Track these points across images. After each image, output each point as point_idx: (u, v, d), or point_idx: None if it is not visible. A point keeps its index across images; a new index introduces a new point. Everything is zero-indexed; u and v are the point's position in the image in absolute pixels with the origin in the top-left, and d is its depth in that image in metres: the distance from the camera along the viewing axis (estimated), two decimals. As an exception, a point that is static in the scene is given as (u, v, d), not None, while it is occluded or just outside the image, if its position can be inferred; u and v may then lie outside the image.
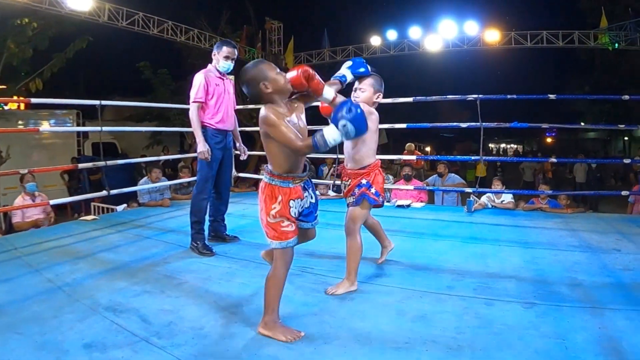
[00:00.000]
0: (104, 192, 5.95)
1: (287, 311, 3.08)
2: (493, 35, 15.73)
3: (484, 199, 7.23)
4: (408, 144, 11.67)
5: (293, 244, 2.89)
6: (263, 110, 2.76)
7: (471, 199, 6.89)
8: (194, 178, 7.52)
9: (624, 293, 3.57)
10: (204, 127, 4.66)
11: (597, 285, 3.72)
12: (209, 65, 4.79)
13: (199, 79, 4.63)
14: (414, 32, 16.46)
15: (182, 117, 14.88)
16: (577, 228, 5.62)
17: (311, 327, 2.95)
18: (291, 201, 2.85)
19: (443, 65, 22.68)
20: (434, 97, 6.80)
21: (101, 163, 6.55)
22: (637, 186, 7.27)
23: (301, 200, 2.93)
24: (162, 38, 14.41)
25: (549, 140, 32.53)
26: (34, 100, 5.94)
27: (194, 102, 4.63)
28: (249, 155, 7.24)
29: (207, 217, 4.82)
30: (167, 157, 11.04)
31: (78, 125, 14.80)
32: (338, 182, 8.33)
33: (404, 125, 7.31)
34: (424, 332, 2.91)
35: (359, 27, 19.03)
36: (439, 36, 16.20)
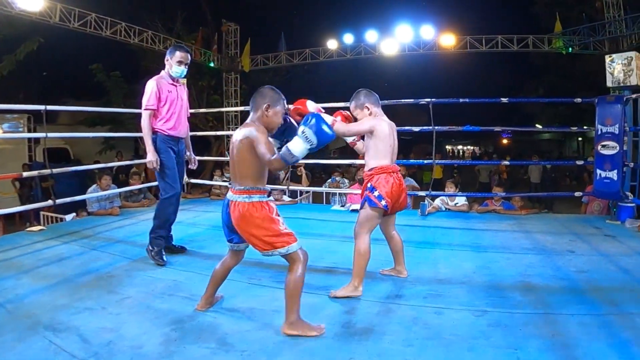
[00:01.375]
0: (50, 202, 5.65)
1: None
2: (449, 40, 15.82)
3: (437, 202, 7.14)
4: (364, 147, 11.18)
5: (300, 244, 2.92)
6: (251, 127, 2.88)
7: (425, 202, 6.83)
8: (146, 185, 7.30)
9: (577, 297, 3.47)
10: (155, 133, 4.47)
11: (550, 290, 3.60)
12: (162, 72, 4.60)
13: (150, 85, 4.45)
14: (371, 36, 16.42)
15: (136, 121, 14.40)
16: (531, 229, 5.55)
17: (249, 342, 2.78)
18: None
19: (400, 69, 22.78)
20: (387, 102, 6.66)
21: (46, 171, 6.27)
22: (590, 186, 7.24)
23: None
24: (115, 39, 13.91)
25: (504, 141, 32.97)
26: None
27: (145, 109, 4.45)
28: (204, 161, 7.01)
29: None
30: (120, 164, 10.56)
31: (29, 130, 13.96)
32: (293, 187, 8.31)
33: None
34: (370, 346, 2.73)
35: (315, 31, 18.77)
36: (395, 40, 16.17)
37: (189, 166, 5.11)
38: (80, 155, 15.85)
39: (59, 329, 2.90)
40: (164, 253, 4.36)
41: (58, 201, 5.70)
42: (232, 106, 16.91)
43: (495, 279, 3.86)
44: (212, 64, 17.18)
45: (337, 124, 3.55)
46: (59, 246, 4.65)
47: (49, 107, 5.58)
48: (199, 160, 5.34)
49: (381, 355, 2.62)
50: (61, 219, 6.60)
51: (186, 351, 2.67)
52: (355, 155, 4.50)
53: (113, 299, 3.41)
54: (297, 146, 2.66)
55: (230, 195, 2.95)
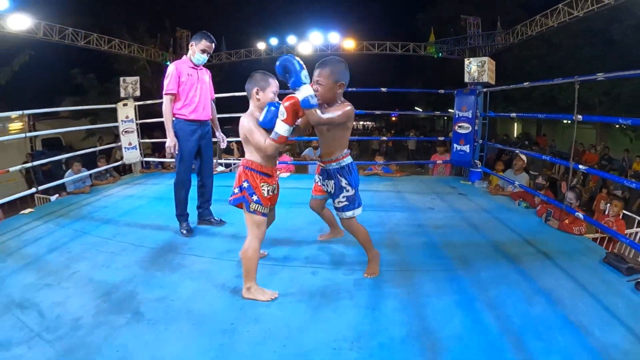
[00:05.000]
0: (33, 189, 4.81)
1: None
2: (350, 44, 15.58)
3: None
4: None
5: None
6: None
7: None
8: (111, 165, 6.47)
9: (433, 253, 2.97)
10: (176, 119, 3.47)
11: (412, 247, 3.07)
12: (183, 57, 3.57)
13: (170, 70, 3.46)
14: (291, 39, 15.98)
15: (110, 112, 13.39)
16: (402, 190, 5.03)
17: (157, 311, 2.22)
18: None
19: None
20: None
21: (27, 165, 5.45)
22: (435, 155, 6.92)
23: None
24: (89, 48, 13.20)
25: (393, 119, 32.84)
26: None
27: (165, 94, 3.43)
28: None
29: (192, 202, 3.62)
30: (81, 152, 9.07)
31: (31, 127, 13.34)
32: (225, 159, 7.47)
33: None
34: (249, 311, 2.14)
35: (249, 35, 17.87)
36: (309, 43, 15.81)
37: (220, 145, 3.94)
38: (71, 142, 14.67)
39: (25, 305, 2.36)
40: (188, 228, 3.46)
41: (40, 187, 4.84)
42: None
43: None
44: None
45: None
46: (40, 226, 3.77)
47: (26, 112, 4.83)
48: None
49: (258, 319, 2.05)
50: (47, 200, 5.75)
51: (113, 321, 2.14)
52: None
53: (66, 274, 2.73)
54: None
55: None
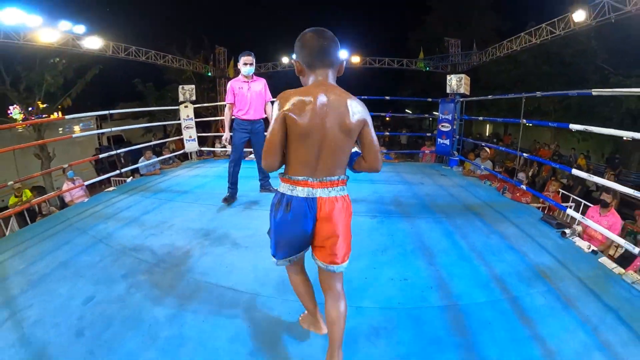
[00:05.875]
0: (117, 171, 5.30)
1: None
2: (356, 59, 15.95)
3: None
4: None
5: None
6: (357, 102, 1.43)
7: None
8: (175, 154, 6.97)
9: (425, 209, 3.70)
10: (235, 118, 3.85)
11: (410, 205, 3.82)
12: (240, 75, 3.86)
13: (228, 87, 3.87)
14: None
15: (164, 114, 14.11)
16: (400, 171, 5.72)
17: (250, 242, 2.78)
18: None
19: None
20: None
21: (112, 152, 5.61)
22: (424, 147, 7.63)
23: None
24: (148, 62, 13.77)
25: (387, 119, 33.24)
26: (68, 116, 5.09)
27: (226, 103, 3.92)
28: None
29: (237, 179, 3.93)
30: (156, 142, 9.28)
31: (97, 126, 14.40)
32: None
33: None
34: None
35: (275, 50, 18.15)
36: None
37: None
38: (131, 138, 15.46)
39: (138, 249, 2.79)
40: (228, 197, 3.86)
41: (122, 170, 5.41)
42: (222, 101, 15.83)
43: (380, 198, 4.03)
44: (209, 74, 16.66)
45: None
46: (126, 198, 4.23)
47: (105, 112, 5.22)
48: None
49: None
50: (124, 181, 6.18)
51: (214, 251, 2.71)
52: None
53: (166, 226, 3.22)
54: None
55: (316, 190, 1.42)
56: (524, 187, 4.15)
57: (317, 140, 1.35)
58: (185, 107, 6.84)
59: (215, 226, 3.18)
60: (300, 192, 1.39)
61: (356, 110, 1.38)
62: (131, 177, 6.46)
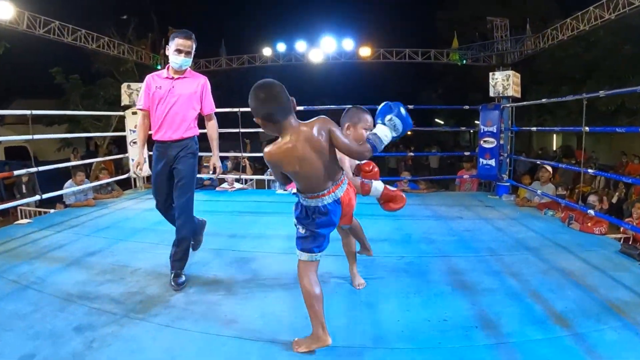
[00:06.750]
0: (37, 197, 5.62)
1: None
2: (365, 51, 16.55)
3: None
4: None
5: None
6: (317, 123, 2.38)
7: None
8: (115, 179, 7.42)
9: (464, 246, 4.36)
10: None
11: (445, 242, 4.46)
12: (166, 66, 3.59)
13: (144, 83, 3.57)
14: (300, 45, 16.93)
15: (91, 120, 14.42)
16: (430, 203, 6.37)
17: (248, 288, 3.41)
18: None
19: (324, 75, 23.16)
20: (318, 107, 7.48)
21: (33, 169, 6.04)
22: (462, 171, 8.27)
23: None
24: (75, 45, 13.62)
25: (409, 132, 34.16)
26: None
27: (138, 109, 3.66)
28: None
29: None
30: (84, 162, 9.32)
31: None
32: (242, 176, 8.79)
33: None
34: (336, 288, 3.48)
35: (253, 39, 19.01)
36: (320, 50, 16.81)
37: (213, 175, 4.10)
38: (38, 153, 15.12)
39: (91, 297, 3.10)
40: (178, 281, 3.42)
41: (45, 196, 5.65)
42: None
43: (407, 236, 4.67)
44: (158, 66, 16.74)
45: None
46: (54, 235, 4.60)
47: (13, 112, 5.43)
48: None
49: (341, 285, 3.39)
50: (39, 213, 6.55)
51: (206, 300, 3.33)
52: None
53: (127, 271, 3.62)
54: (384, 132, 2.41)
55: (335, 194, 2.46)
56: (591, 212, 4.80)
57: (309, 168, 2.38)
58: (134, 113, 7.06)
59: (199, 271, 3.69)
60: (329, 199, 2.46)
61: (317, 128, 2.36)
62: (53, 210, 6.63)
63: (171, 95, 3.44)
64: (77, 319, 2.80)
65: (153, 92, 3.47)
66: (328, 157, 2.38)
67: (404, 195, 3.00)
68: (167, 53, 3.49)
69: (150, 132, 3.68)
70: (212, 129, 3.73)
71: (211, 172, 4.00)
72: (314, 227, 2.49)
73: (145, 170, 3.92)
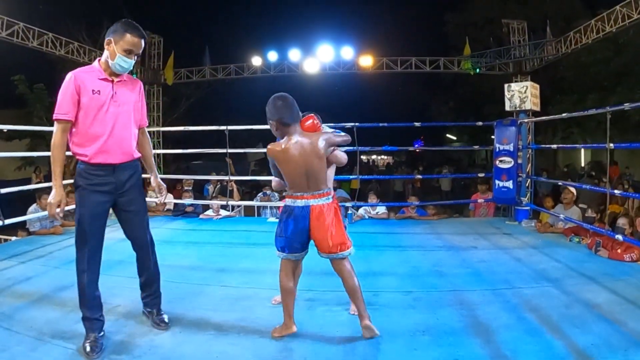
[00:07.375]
0: None
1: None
2: (366, 61, 16.56)
3: (361, 211, 8.07)
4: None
5: None
6: (321, 135, 3.24)
7: (350, 212, 7.60)
8: None
9: (478, 279, 4.51)
10: (78, 161, 3.16)
11: (457, 275, 4.62)
12: (95, 62, 3.19)
13: (65, 83, 3.02)
14: (294, 54, 16.88)
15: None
16: (441, 231, 6.53)
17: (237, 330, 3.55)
18: None
19: (321, 87, 23.32)
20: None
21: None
22: (476, 195, 8.42)
23: None
24: (41, 50, 13.41)
25: (417, 150, 34.43)
26: None
27: (55, 119, 3.06)
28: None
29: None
30: (49, 185, 9.55)
31: None
32: (232, 202, 8.89)
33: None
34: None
35: (240, 47, 18.89)
36: (316, 59, 16.78)
37: (157, 199, 3.79)
38: None
39: (66, 337, 3.16)
40: (94, 344, 3.08)
41: (7, 221, 5.60)
42: (153, 120, 16.45)
43: (414, 269, 4.81)
44: (135, 75, 16.10)
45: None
46: (17, 266, 4.71)
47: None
48: None
49: (345, 323, 3.53)
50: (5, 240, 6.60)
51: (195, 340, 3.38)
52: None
53: (105, 309, 3.38)
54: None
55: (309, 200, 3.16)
56: (619, 237, 4.95)
57: (302, 169, 3.11)
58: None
59: (184, 308, 3.82)
60: (300, 202, 3.16)
61: (316, 139, 3.14)
62: (14, 237, 6.73)
63: (115, 104, 3.10)
64: (53, 358, 2.88)
65: (88, 98, 3.01)
66: (316, 167, 3.13)
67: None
68: (105, 46, 3.11)
69: (70, 153, 3.25)
70: (149, 145, 3.58)
71: (158, 194, 3.66)
72: (283, 225, 3.21)
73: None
